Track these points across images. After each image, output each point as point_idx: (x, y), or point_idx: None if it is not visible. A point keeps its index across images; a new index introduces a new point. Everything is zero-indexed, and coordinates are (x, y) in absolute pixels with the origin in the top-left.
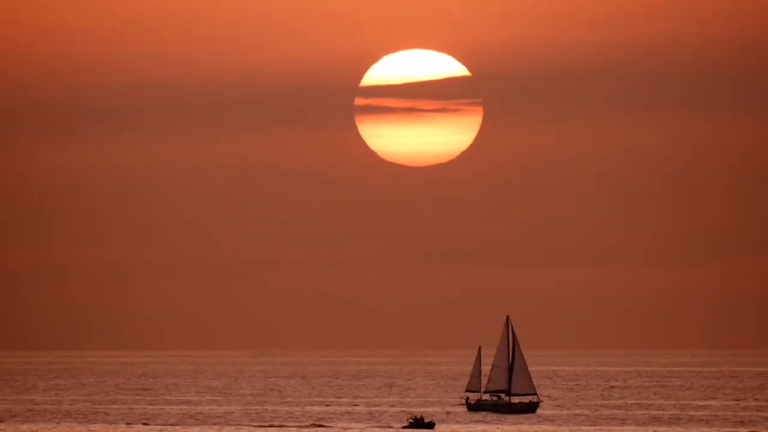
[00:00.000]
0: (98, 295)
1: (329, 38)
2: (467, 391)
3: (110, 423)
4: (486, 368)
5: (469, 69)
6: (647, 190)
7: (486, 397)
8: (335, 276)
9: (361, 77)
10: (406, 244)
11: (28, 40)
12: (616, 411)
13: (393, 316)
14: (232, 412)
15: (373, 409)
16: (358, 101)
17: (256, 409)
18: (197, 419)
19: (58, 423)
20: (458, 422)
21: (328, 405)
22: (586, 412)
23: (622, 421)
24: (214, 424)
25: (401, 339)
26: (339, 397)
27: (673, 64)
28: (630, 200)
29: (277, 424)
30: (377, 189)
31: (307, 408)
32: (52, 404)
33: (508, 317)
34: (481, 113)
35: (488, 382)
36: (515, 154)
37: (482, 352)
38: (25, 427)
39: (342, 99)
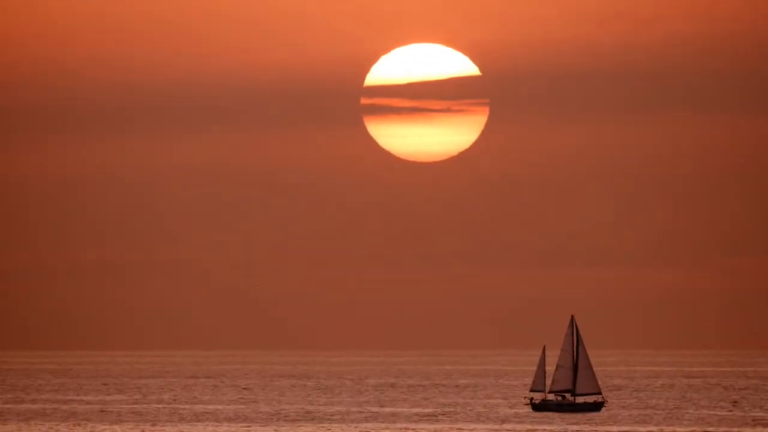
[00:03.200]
0: (91, 296)
1: (334, 32)
2: (532, 390)
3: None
4: (550, 368)
5: (480, 68)
6: (659, 189)
7: (551, 396)
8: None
9: (367, 72)
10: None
11: (19, 41)
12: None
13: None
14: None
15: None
16: (364, 100)
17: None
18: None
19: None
20: None
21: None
22: (655, 412)
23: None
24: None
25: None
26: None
27: (686, 64)
28: (642, 199)
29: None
30: (395, 188)
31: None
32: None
33: (572, 317)
34: (487, 113)
35: (553, 382)
36: (522, 155)
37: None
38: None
39: (348, 96)
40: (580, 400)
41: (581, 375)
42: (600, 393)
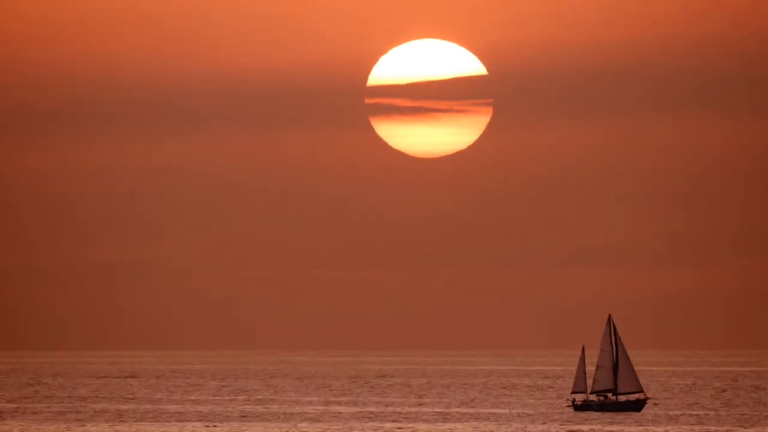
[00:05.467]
0: (81, 296)
1: (339, 29)
2: (573, 392)
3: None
4: (590, 369)
5: (487, 67)
6: (668, 189)
7: (592, 397)
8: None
9: (372, 67)
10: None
11: (9, 42)
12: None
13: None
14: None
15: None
16: (368, 100)
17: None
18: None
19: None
20: None
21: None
22: (696, 411)
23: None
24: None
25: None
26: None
27: (694, 65)
28: (650, 200)
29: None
30: (407, 187)
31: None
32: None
33: (609, 316)
34: (491, 113)
35: (594, 383)
36: (527, 155)
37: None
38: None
39: (351, 95)
40: (621, 398)
41: (622, 374)
42: (642, 391)
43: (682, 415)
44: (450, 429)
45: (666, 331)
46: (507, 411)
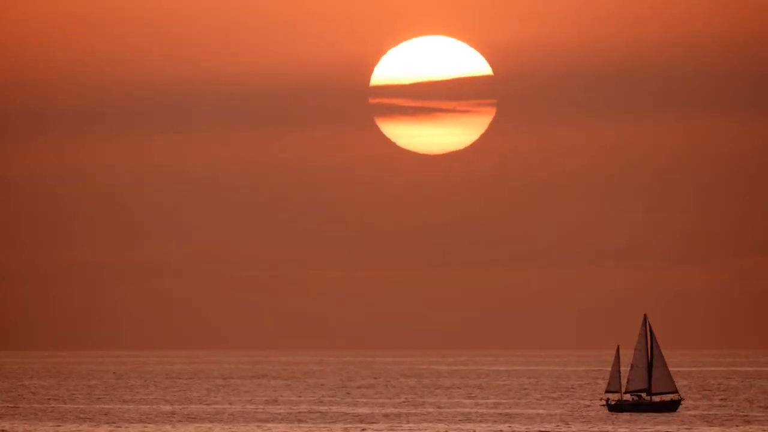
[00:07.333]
0: (81, 296)
1: (344, 26)
2: (607, 391)
3: None
4: (624, 369)
5: (493, 67)
6: (676, 189)
7: (627, 397)
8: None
9: (375, 66)
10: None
11: (7, 42)
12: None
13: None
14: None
15: None
16: (372, 100)
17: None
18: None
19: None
20: None
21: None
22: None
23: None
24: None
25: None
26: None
27: (701, 65)
28: (659, 200)
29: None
30: (418, 185)
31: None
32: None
33: (645, 316)
34: (494, 114)
35: (628, 382)
36: (534, 157)
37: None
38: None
39: (354, 94)
40: (656, 399)
41: (656, 374)
42: (676, 391)
43: (716, 414)
44: (485, 429)
45: (669, 331)
46: (541, 411)
